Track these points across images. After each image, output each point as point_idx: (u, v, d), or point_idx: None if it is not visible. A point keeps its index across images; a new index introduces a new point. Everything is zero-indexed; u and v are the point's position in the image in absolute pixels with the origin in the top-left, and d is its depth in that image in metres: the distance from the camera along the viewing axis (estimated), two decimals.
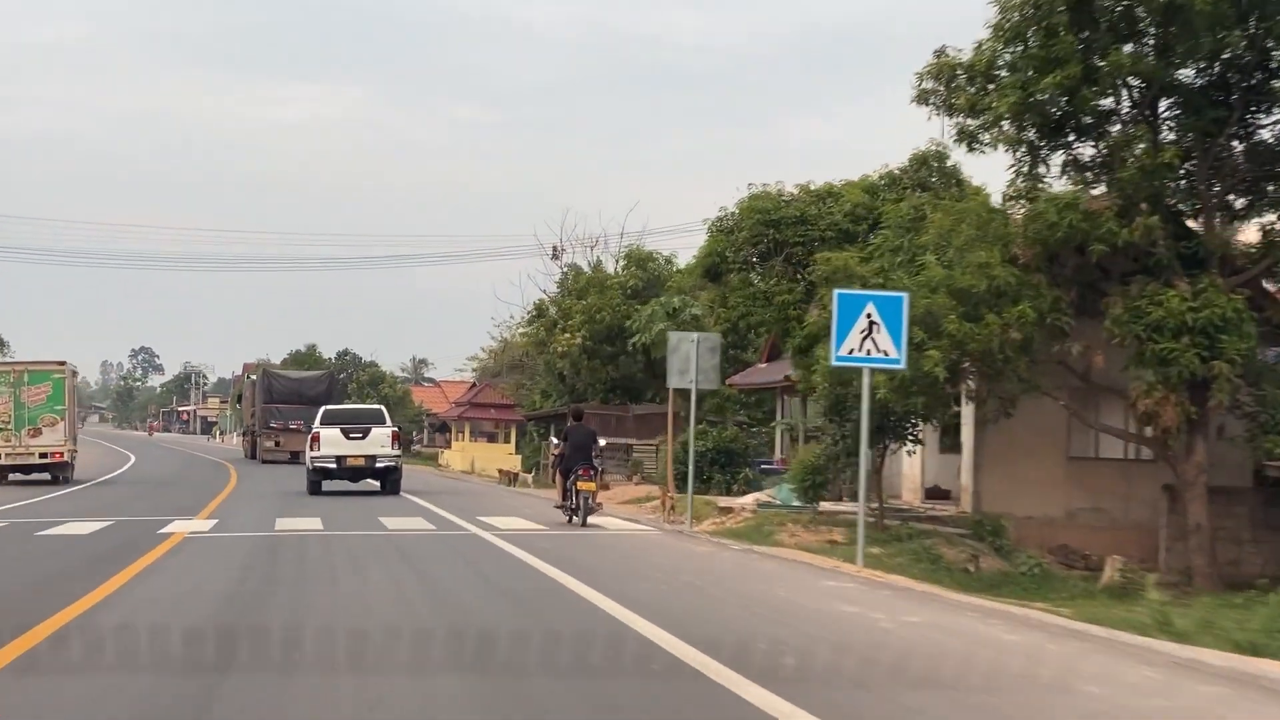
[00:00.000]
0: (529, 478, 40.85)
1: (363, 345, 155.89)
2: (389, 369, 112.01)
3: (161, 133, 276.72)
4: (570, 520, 22.51)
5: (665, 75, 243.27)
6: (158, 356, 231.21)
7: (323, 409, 34.29)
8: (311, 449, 31.38)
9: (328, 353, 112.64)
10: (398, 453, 32.04)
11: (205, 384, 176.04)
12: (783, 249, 27.58)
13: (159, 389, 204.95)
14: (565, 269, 50.91)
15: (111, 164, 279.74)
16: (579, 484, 22.50)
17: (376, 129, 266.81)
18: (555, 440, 29.28)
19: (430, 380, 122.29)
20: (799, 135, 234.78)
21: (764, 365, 36.12)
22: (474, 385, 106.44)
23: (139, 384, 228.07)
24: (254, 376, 65.84)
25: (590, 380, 42.37)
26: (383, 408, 35.73)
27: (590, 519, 22.29)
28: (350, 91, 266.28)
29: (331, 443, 30.98)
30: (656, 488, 31.17)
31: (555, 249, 51.48)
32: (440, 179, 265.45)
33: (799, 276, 27.04)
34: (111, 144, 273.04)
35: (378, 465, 31.25)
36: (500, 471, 42.24)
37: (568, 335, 40.42)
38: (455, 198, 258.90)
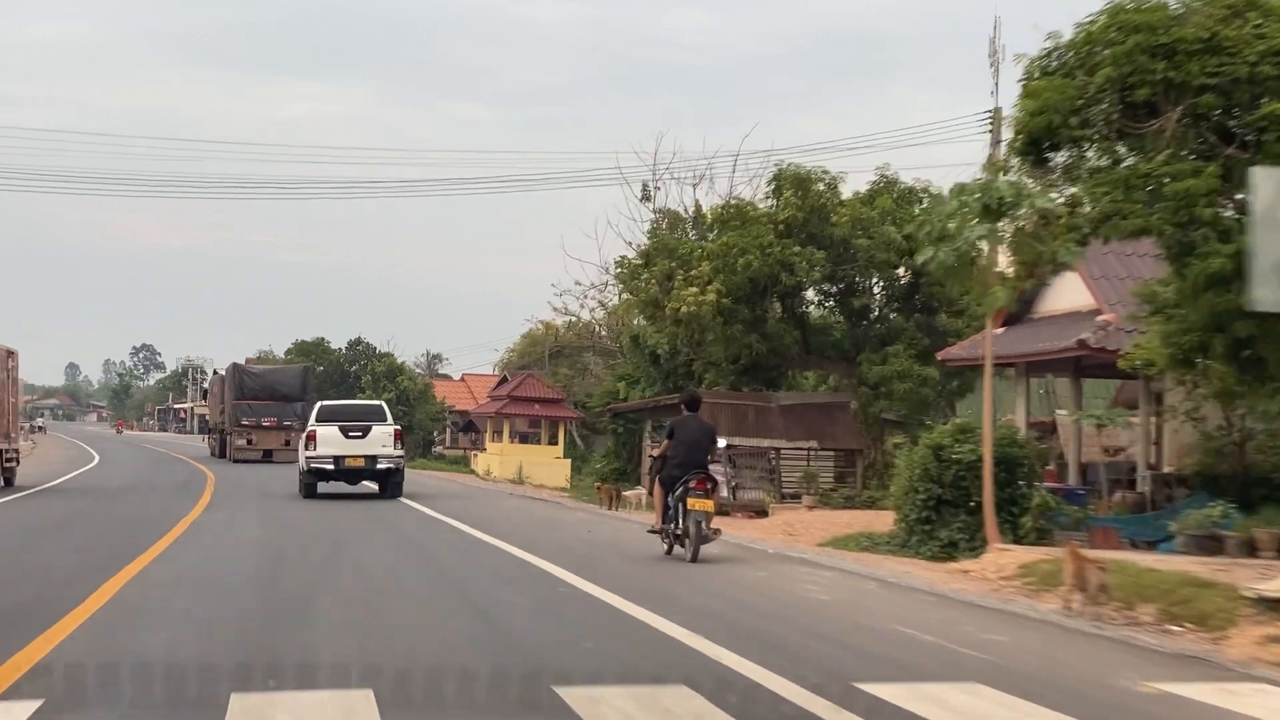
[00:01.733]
0: (640, 495, 28.03)
1: (376, 336, 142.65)
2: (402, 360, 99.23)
3: (167, 129, 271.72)
4: (670, 550, 16.54)
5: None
6: (159, 354, 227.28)
7: (319, 404, 31.96)
8: (307, 448, 29.25)
9: (338, 343, 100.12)
10: (400, 453, 30.17)
11: (204, 379, 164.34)
12: (1180, 95, 14.95)
13: (157, 385, 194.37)
14: (658, 215, 38.49)
15: (115, 160, 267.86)
16: (691, 501, 15.94)
17: (380, 127, 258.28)
18: (655, 438, 22.79)
19: (443, 376, 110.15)
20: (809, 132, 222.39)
21: (999, 331, 23.45)
22: (505, 378, 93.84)
23: (141, 381, 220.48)
24: (222, 372, 62.92)
25: (720, 355, 29.57)
26: (383, 404, 33.88)
27: (703, 549, 15.99)
28: (356, 91, 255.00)
29: (329, 441, 28.89)
30: (860, 512, 19.97)
31: (646, 188, 39.33)
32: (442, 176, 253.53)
33: (1210, 146, 14.52)
34: (115, 141, 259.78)
35: (378, 467, 29.27)
36: (601, 487, 29.48)
37: (694, 290, 27.52)
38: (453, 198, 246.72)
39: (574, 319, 60.06)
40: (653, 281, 29.56)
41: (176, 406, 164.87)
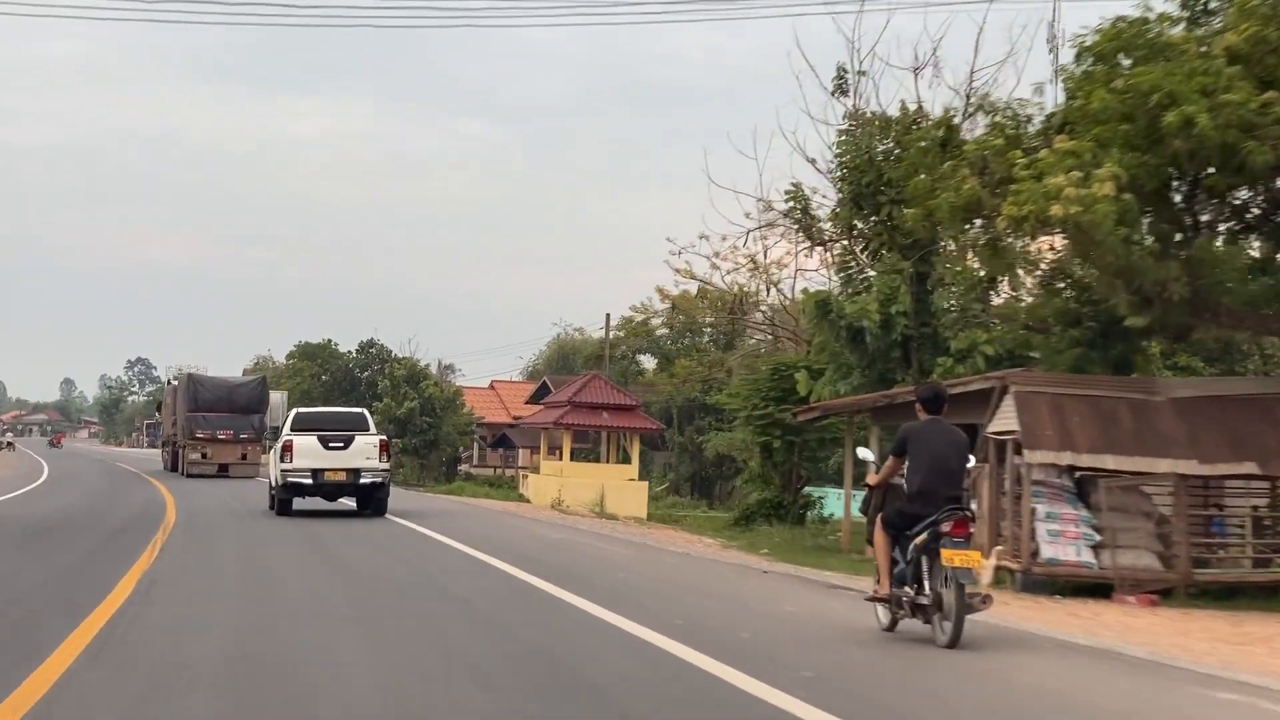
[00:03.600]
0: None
1: (388, 338, 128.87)
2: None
3: (172, 146, 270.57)
4: (893, 624, 11.44)
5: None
6: (154, 367, 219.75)
7: (294, 411, 29.83)
8: (282, 459, 26.78)
9: (346, 345, 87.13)
10: (386, 466, 27.39)
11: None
12: None
13: (147, 399, 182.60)
14: (851, 122, 25.59)
15: (121, 178, 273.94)
16: (946, 554, 10.61)
17: (381, 142, 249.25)
18: (871, 454, 13.51)
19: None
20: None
21: None
22: (545, 384, 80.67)
23: (135, 396, 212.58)
24: (175, 382, 60.32)
25: (1118, 296, 15.78)
26: (365, 411, 30.76)
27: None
28: (358, 107, 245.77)
29: (307, 453, 26.66)
30: None
31: (842, 75, 26.50)
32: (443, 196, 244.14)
33: None
34: (120, 157, 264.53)
35: (362, 481, 26.84)
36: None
37: (1073, 179, 13.88)
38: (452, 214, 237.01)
39: (701, 285, 47.29)
40: (967, 175, 16.11)
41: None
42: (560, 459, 50.35)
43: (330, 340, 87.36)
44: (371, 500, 27.23)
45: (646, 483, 50.45)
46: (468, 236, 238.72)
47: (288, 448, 26.69)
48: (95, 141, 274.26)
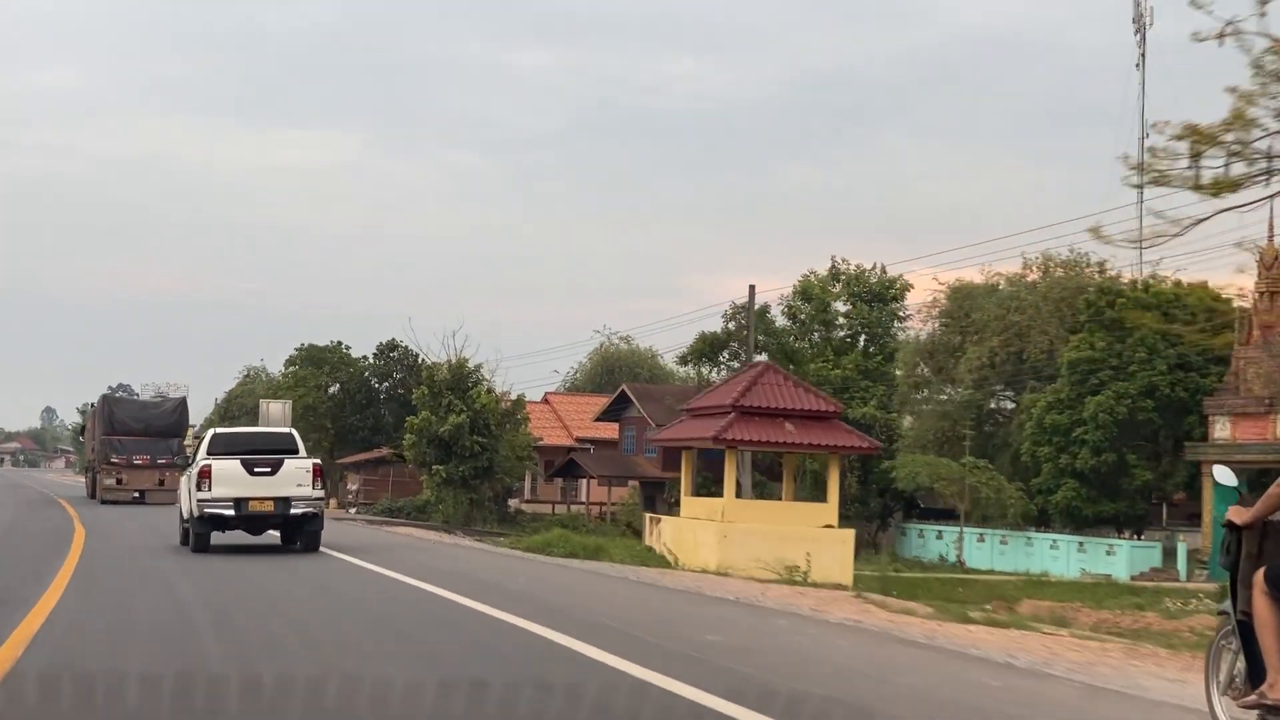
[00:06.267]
0: None
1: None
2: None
3: (157, 177, 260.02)
4: None
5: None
6: (137, 394, 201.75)
7: (211, 432, 26.89)
8: (199, 488, 23.35)
9: (361, 350, 69.77)
10: (320, 494, 24.17)
11: None
12: None
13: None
14: None
15: (106, 209, 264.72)
16: None
17: (369, 174, 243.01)
18: (1232, 476, 9.94)
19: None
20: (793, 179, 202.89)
21: None
22: (618, 392, 63.62)
23: None
24: (94, 404, 59.69)
25: None
26: (293, 431, 26.75)
27: None
28: (347, 139, 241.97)
29: (229, 480, 23.38)
30: None
31: None
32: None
33: None
34: (106, 188, 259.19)
35: (293, 512, 23.55)
36: None
37: None
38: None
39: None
40: None
41: None
42: (724, 494, 32.86)
43: (340, 343, 69.89)
44: (302, 533, 24.18)
45: (851, 531, 32.97)
46: (457, 266, 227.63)
47: (205, 474, 23.70)
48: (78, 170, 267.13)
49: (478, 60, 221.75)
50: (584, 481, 66.21)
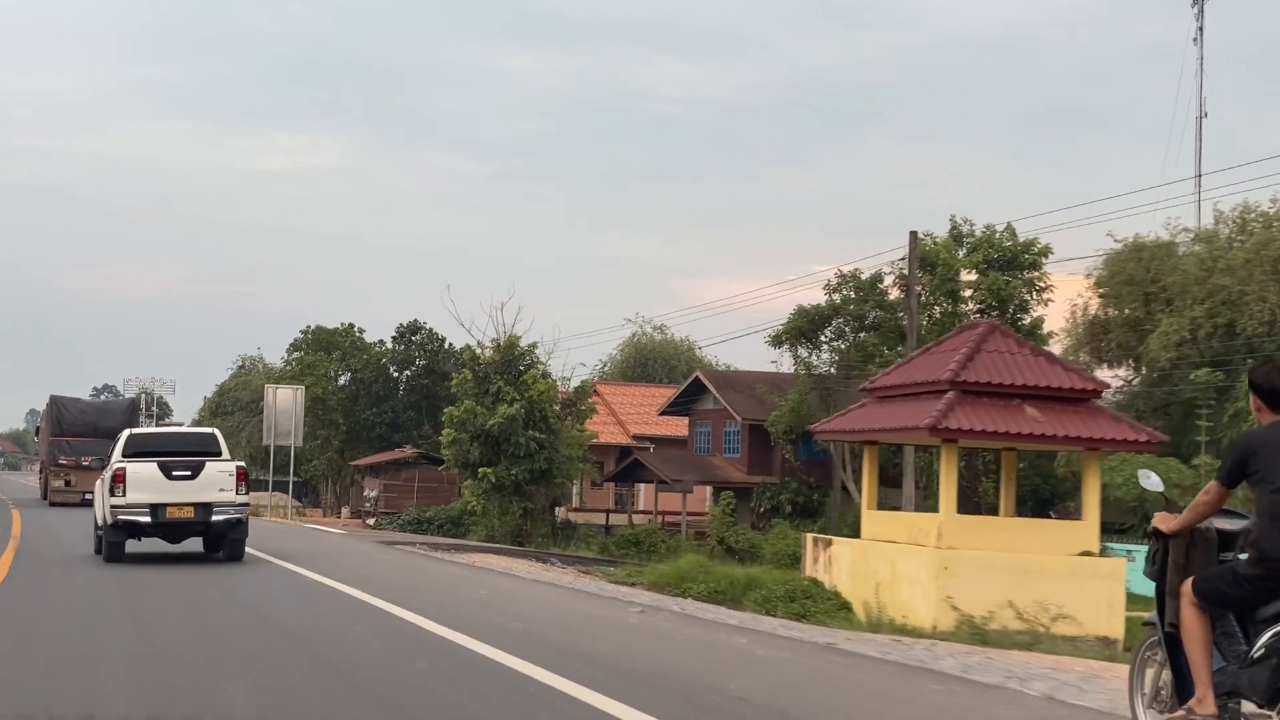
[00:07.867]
0: None
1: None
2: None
3: (147, 182, 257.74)
4: None
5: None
6: (125, 394, 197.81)
7: (127, 432, 24.92)
8: (113, 493, 22.04)
9: (377, 334, 59.99)
10: (244, 500, 22.93)
11: (159, 411, 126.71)
12: None
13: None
14: None
15: (96, 213, 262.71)
16: None
17: (359, 178, 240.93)
18: (1158, 481, 8.33)
19: None
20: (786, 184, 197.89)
21: None
22: (691, 379, 54.01)
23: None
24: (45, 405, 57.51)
25: None
26: (215, 431, 24.76)
27: None
28: (334, 142, 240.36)
29: (145, 484, 22.16)
30: None
31: None
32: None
33: None
34: (97, 193, 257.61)
35: (214, 518, 22.28)
36: None
37: None
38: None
39: None
40: None
41: None
42: (942, 507, 23.05)
43: (353, 326, 59.94)
44: (225, 541, 22.70)
45: (1122, 561, 23.22)
46: (458, 267, 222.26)
47: (119, 477, 22.18)
48: (69, 175, 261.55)
49: (477, 61, 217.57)
50: (640, 487, 56.45)
